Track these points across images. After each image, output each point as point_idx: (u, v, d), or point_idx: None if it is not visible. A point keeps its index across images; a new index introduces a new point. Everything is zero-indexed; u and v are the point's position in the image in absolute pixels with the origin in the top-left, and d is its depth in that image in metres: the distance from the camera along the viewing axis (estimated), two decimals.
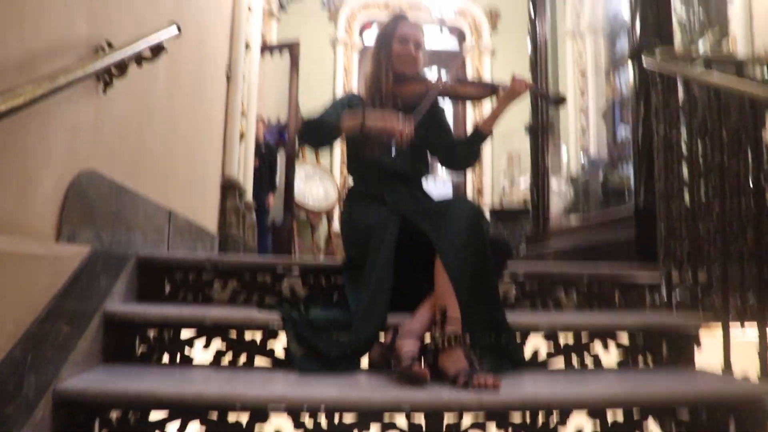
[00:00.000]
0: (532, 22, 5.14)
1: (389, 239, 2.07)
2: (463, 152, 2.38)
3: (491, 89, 2.31)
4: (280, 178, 8.00)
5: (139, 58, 2.10)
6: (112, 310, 1.90)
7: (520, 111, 5.25)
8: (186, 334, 1.98)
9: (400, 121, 2.11)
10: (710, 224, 2.28)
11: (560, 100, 2.23)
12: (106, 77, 2.06)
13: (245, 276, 2.32)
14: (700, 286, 2.31)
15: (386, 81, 2.35)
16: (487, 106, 2.60)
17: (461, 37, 10.06)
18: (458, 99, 2.38)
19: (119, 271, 2.05)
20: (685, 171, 2.49)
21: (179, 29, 2.31)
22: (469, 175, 9.70)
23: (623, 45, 7.61)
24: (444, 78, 2.36)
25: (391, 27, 2.40)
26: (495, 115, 2.30)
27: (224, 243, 4.80)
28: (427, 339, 1.91)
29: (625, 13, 6.51)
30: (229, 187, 4.91)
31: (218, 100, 4.72)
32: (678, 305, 2.41)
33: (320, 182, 8.82)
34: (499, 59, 9.51)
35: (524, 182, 8.69)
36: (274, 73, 8.26)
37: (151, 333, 1.97)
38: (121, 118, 2.37)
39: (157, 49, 2.10)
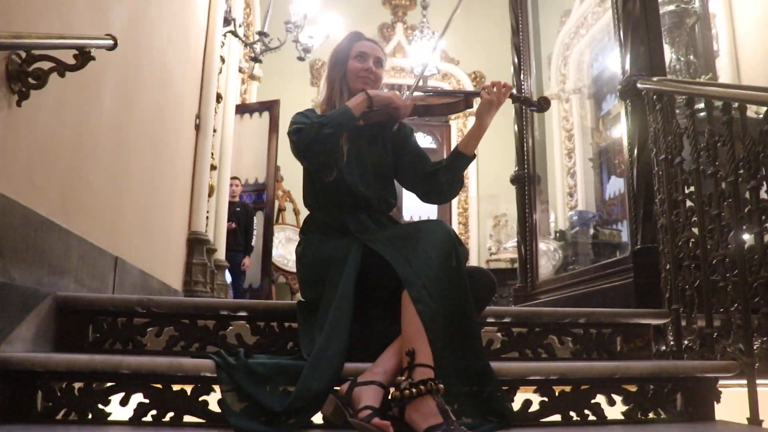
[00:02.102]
0: (518, 85, 4.98)
1: (349, 273, 1.75)
2: (444, 179, 2.04)
3: (465, 98, 2.04)
4: (256, 240, 7.69)
5: (61, 67, 1.82)
6: (6, 357, 1.55)
7: (506, 171, 5.07)
8: (101, 385, 1.63)
9: (403, 97, 1.97)
10: (724, 259, 1.98)
11: (544, 104, 1.96)
12: (21, 87, 1.77)
13: (184, 320, 1.97)
14: (716, 329, 1.99)
15: (341, 99, 2.05)
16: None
17: None
18: (429, 112, 2.10)
19: (26, 312, 1.70)
20: (689, 202, 2.21)
21: (115, 42, 2.04)
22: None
23: (609, 104, 7.54)
24: (409, 93, 2.11)
25: (346, 44, 2.13)
26: (476, 131, 2.00)
27: None
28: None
29: (612, 68, 6.43)
30: (195, 243, 4.59)
31: (185, 149, 4.46)
32: (689, 352, 2.08)
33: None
34: None
35: (511, 244, 8.41)
36: (254, 134, 8.07)
37: (57, 386, 1.61)
38: (46, 139, 2.08)
39: (83, 56, 1.83)
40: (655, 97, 2.36)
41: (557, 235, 5.58)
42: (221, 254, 5.76)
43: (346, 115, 1.90)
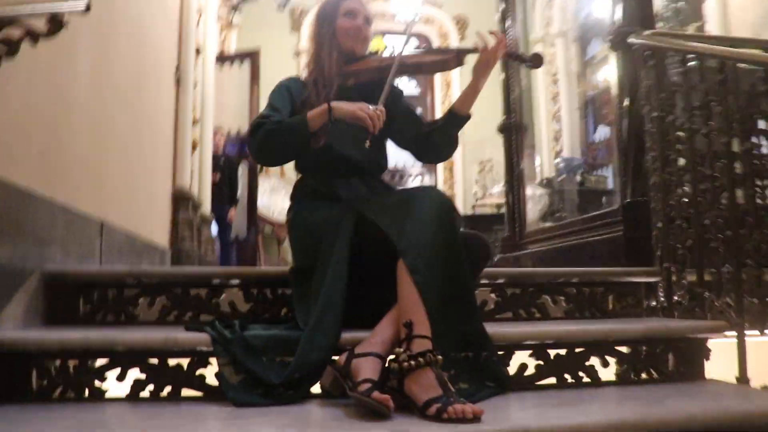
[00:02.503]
0: (504, 29, 4.87)
1: (342, 241, 1.73)
2: (440, 140, 2.00)
3: (457, 55, 1.96)
4: (241, 191, 7.62)
5: (32, 34, 1.73)
6: None
7: (491, 117, 5.02)
8: (96, 363, 1.61)
9: (370, 107, 1.79)
10: (717, 216, 1.98)
11: (537, 61, 1.92)
12: None
13: (176, 290, 1.95)
14: (707, 286, 2.00)
15: (330, 61, 1.99)
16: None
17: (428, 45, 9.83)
18: (420, 71, 2.05)
19: (13, 289, 1.67)
20: (681, 159, 2.19)
21: (88, 6, 1.94)
22: (440, 183, 9.40)
23: (594, 48, 7.43)
24: (400, 51, 2.03)
25: (334, 1, 2.05)
26: (472, 91, 1.95)
27: (177, 258, 4.41)
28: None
29: (598, 12, 6.30)
30: (181, 199, 4.53)
31: (166, 105, 4.35)
32: (680, 310, 2.10)
33: (286, 195, 8.41)
34: (469, 68, 9.26)
35: (497, 189, 8.41)
36: (235, 84, 7.89)
37: (51, 364, 1.59)
38: (21, 108, 2.00)
39: (55, 22, 1.74)
40: (647, 53, 2.31)
41: (544, 182, 5.58)
42: (207, 208, 5.71)
43: (301, 129, 1.83)
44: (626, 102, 3.06)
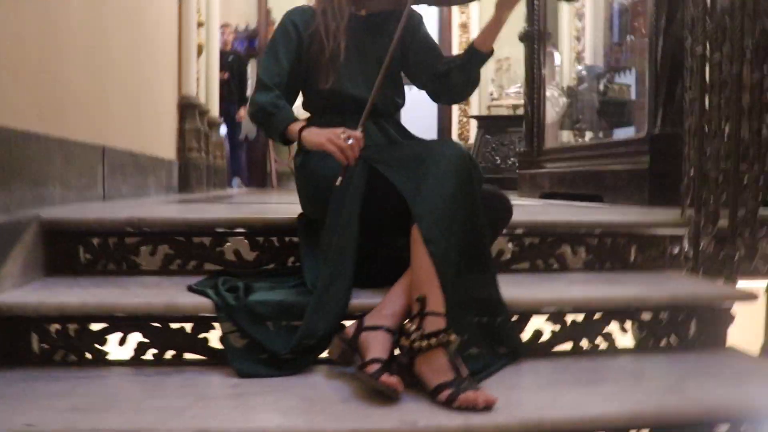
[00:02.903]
0: None
1: (353, 198, 1.61)
2: (459, 79, 1.83)
3: None
4: (251, 89, 7.40)
5: None
6: None
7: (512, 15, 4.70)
8: (97, 326, 1.56)
9: (348, 140, 1.60)
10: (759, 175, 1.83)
11: None
12: None
13: (178, 239, 1.87)
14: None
15: None
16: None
17: None
18: (441, 3, 1.86)
19: (10, 246, 1.59)
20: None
21: None
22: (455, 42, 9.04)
23: None
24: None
25: None
26: (494, 27, 1.76)
27: (185, 169, 4.34)
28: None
29: None
30: (187, 107, 4.39)
31: (168, 9, 4.10)
32: (706, 262, 2.00)
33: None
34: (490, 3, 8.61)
35: (514, 90, 8.11)
36: None
37: (52, 327, 1.54)
38: (7, 43, 1.84)
39: None
40: None
41: (565, 90, 5.34)
42: (215, 112, 5.56)
43: (276, 129, 1.76)
44: (663, 22, 2.83)
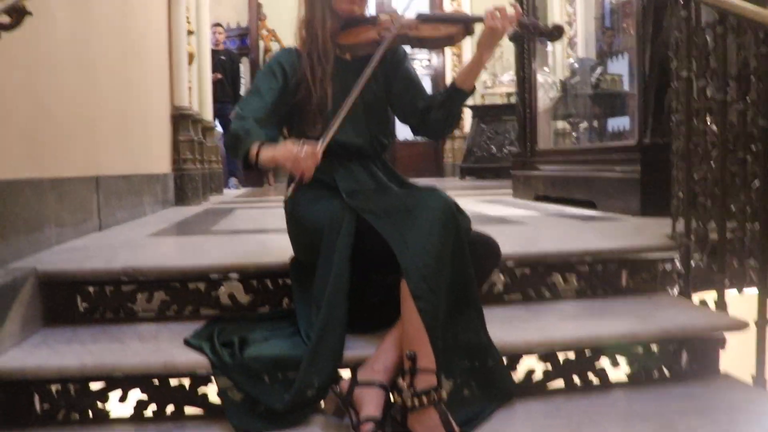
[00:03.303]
0: None
1: (342, 248, 1.63)
2: (438, 116, 1.83)
3: (465, 27, 1.76)
4: (244, 88, 7.38)
5: None
6: None
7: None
8: (97, 385, 1.59)
9: (302, 152, 1.59)
10: (747, 204, 1.85)
11: (556, 33, 1.71)
12: None
13: (174, 285, 1.89)
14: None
15: (324, 32, 1.80)
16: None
17: None
18: (423, 45, 1.86)
19: (7, 307, 1.61)
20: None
21: None
22: (448, 69, 9.03)
23: None
24: (401, 16, 1.82)
25: None
26: (475, 67, 1.76)
27: (180, 181, 4.35)
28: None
29: None
30: (180, 118, 4.38)
31: (157, 21, 4.08)
32: (697, 279, 2.03)
33: None
34: None
35: (508, 78, 8.09)
36: None
37: (53, 388, 1.57)
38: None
39: (17, 12, 1.55)
40: (681, 1, 2.06)
41: (557, 86, 5.33)
42: (208, 117, 5.54)
43: (240, 151, 1.68)
44: (650, 29, 2.83)
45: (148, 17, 3.81)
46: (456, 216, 1.58)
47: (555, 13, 7.01)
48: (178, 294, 1.90)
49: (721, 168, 1.89)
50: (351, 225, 1.65)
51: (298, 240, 1.83)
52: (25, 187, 1.98)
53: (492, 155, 7.97)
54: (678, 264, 2.12)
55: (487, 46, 1.73)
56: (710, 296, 1.99)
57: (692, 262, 2.02)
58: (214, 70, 6.58)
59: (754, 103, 1.80)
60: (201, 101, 5.17)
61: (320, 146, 1.61)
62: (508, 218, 3.02)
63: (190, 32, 4.59)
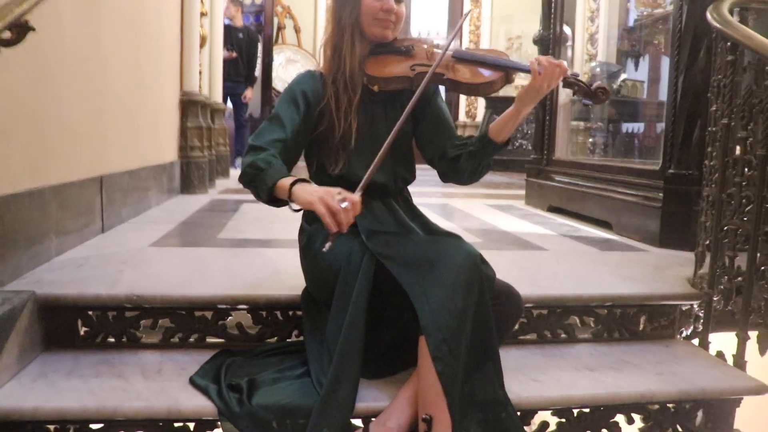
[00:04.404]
0: None
1: (359, 294, 1.56)
2: (468, 166, 1.73)
3: (505, 75, 1.64)
4: (260, 68, 7.25)
5: None
6: None
7: None
8: (97, 426, 1.53)
9: (343, 204, 1.43)
10: None
11: (601, 95, 1.59)
12: None
13: (179, 312, 1.83)
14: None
15: (353, 55, 1.69)
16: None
17: None
18: (458, 89, 1.73)
19: (3, 338, 1.55)
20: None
21: None
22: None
23: None
24: (436, 51, 1.70)
25: None
26: (512, 120, 1.65)
27: (186, 169, 4.27)
28: None
29: None
30: (189, 104, 4.28)
31: (169, 7, 3.95)
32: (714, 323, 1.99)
33: (302, 66, 8.04)
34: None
35: None
36: None
37: (51, 427, 1.51)
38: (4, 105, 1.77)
39: (19, 28, 1.45)
40: (728, 44, 1.96)
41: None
42: (218, 99, 5.42)
43: (264, 184, 1.56)
44: (685, 59, 2.73)
45: (161, 1, 3.70)
46: (480, 273, 1.50)
47: (578, 10, 6.88)
48: (184, 321, 1.84)
49: (755, 226, 1.81)
50: (369, 270, 1.58)
51: (312, 276, 1.76)
52: (24, 201, 1.90)
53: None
54: (697, 312, 2.07)
55: (527, 102, 1.61)
56: (727, 345, 1.95)
57: (712, 312, 1.96)
58: (230, 47, 6.45)
59: None
60: (211, 83, 5.05)
61: (359, 195, 1.47)
62: (522, 238, 2.95)
63: (203, 14, 4.46)
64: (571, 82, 1.60)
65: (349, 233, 1.70)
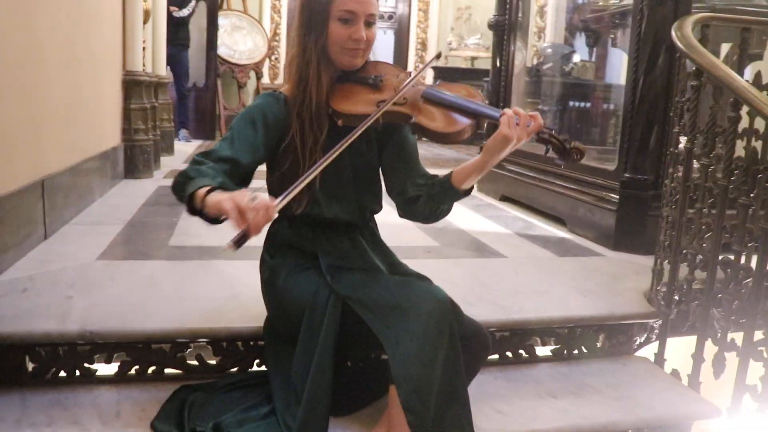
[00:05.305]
0: None
1: (328, 336, 1.51)
2: (426, 208, 1.65)
3: (476, 123, 1.49)
4: (199, 34, 6.96)
5: None
6: None
7: None
8: None
9: (253, 204, 1.25)
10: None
11: (576, 155, 1.46)
12: None
13: (136, 346, 1.75)
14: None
15: (319, 91, 1.57)
16: None
17: None
18: (423, 134, 1.55)
19: None
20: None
21: None
22: (413, 26, 8.72)
23: None
24: (405, 87, 1.53)
25: None
26: (478, 170, 1.54)
27: (131, 152, 4.10)
28: None
29: None
30: (133, 84, 4.08)
31: None
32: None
33: (248, 34, 7.77)
34: None
35: (474, 41, 7.90)
36: None
37: None
38: None
39: None
40: (693, 68, 1.96)
41: (529, 71, 5.18)
42: (162, 72, 5.19)
43: (185, 192, 1.41)
44: (643, 66, 2.74)
45: None
46: (451, 320, 1.47)
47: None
48: (141, 354, 1.76)
49: (713, 256, 1.84)
50: (336, 312, 1.54)
51: (276, 311, 1.70)
52: None
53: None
54: (653, 324, 2.13)
55: (495, 152, 1.49)
56: (680, 359, 2.02)
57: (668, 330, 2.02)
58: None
59: (761, 201, 1.73)
60: (154, 56, 4.80)
61: (278, 203, 1.31)
62: (479, 239, 2.95)
63: None
64: (545, 139, 1.48)
65: (313, 267, 1.66)
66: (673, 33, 2.04)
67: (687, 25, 2.05)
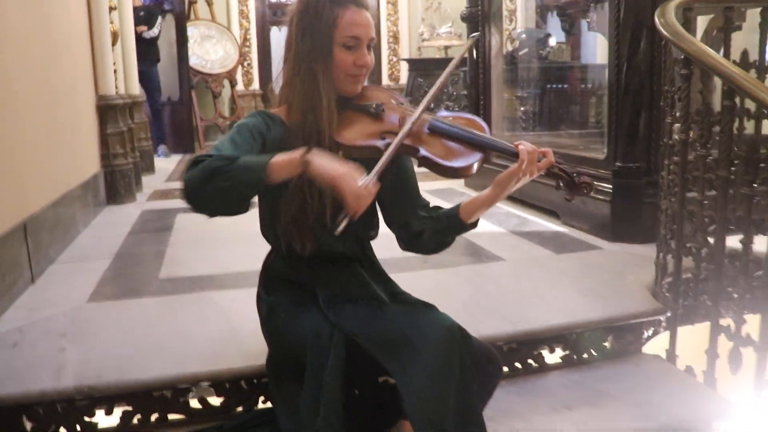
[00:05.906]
0: None
1: (335, 374, 1.45)
2: (431, 242, 1.61)
3: (485, 156, 1.43)
4: (169, 47, 6.85)
5: None
6: None
7: None
8: None
9: (360, 178, 1.27)
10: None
11: (585, 189, 1.44)
12: None
13: (137, 395, 1.69)
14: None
15: (330, 121, 1.47)
16: None
17: None
18: (430, 168, 1.46)
19: None
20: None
21: None
22: (383, 17, 8.61)
23: None
24: (410, 116, 1.44)
25: (329, 12, 1.45)
26: (486, 204, 1.51)
27: (111, 178, 4.00)
28: None
29: None
30: (107, 109, 3.98)
31: (74, 6, 3.61)
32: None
33: (218, 42, 7.65)
34: None
35: (445, 30, 7.82)
36: None
37: None
38: None
39: None
40: (682, 56, 1.92)
41: (506, 59, 5.14)
42: (135, 91, 5.08)
43: (255, 173, 1.29)
44: (626, 50, 2.69)
45: (67, 7, 3.36)
46: (461, 348, 1.41)
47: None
48: (142, 403, 1.70)
49: (718, 246, 1.81)
50: (341, 350, 1.47)
51: (277, 348, 1.64)
52: None
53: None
54: (662, 321, 2.09)
55: (505, 187, 1.46)
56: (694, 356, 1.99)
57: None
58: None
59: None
60: (126, 77, 4.70)
61: (373, 180, 1.30)
62: (474, 242, 2.89)
63: (112, 8, 4.11)
64: (556, 174, 1.44)
65: (311, 302, 1.59)
66: (656, 20, 2.00)
67: (669, 10, 2.01)
